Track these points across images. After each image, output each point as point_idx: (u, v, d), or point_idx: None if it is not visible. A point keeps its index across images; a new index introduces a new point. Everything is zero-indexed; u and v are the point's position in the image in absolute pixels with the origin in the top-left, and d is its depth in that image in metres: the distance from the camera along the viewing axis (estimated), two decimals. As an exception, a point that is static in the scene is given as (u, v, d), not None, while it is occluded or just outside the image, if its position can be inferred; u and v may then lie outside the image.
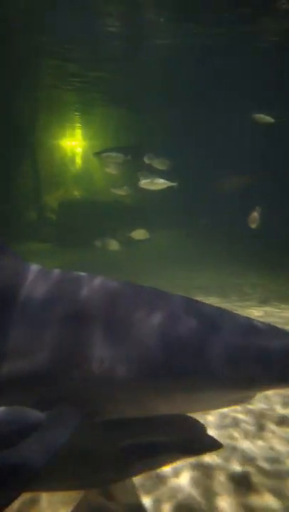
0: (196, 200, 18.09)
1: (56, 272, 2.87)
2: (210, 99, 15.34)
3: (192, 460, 3.00)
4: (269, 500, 2.70)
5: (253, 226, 10.10)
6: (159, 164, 10.87)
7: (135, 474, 2.88)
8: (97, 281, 2.80)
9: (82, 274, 2.87)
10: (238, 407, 3.70)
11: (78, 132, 26.72)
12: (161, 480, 2.85)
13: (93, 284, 2.76)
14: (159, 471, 2.91)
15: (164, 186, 9.63)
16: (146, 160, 10.76)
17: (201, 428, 3.36)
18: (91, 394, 2.48)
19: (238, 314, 2.76)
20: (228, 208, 15.53)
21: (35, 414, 2.24)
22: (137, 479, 2.85)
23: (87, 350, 2.48)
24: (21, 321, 2.57)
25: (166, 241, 17.62)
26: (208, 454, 3.07)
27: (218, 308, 2.78)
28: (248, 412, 3.67)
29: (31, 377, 2.47)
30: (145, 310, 2.62)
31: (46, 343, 2.50)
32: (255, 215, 10.06)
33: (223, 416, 3.56)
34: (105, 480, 2.83)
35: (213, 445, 3.15)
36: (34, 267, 2.85)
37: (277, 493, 2.74)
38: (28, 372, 2.47)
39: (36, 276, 2.78)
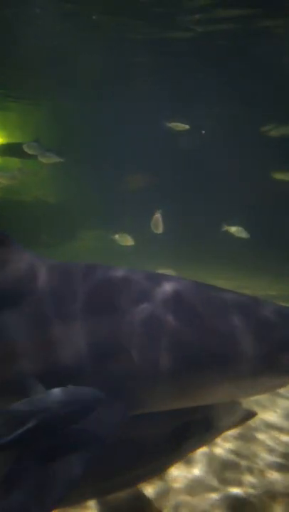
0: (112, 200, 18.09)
1: (75, 264, 2.87)
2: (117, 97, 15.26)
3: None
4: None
5: (158, 231, 9.50)
6: (44, 158, 10.61)
7: (188, 453, 3.02)
8: (126, 271, 2.81)
9: (101, 265, 2.88)
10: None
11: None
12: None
13: (124, 275, 2.78)
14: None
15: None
16: (27, 149, 10.61)
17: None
18: (135, 386, 2.48)
19: (273, 302, 2.83)
20: (133, 208, 15.59)
21: (96, 393, 2.23)
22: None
23: (128, 341, 2.48)
24: (57, 315, 2.56)
25: (92, 243, 17.53)
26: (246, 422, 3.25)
27: (254, 297, 2.85)
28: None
29: (73, 369, 2.46)
30: (184, 299, 2.66)
31: (87, 335, 2.49)
32: (158, 217, 9.42)
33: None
34: (161, 466, 2.91)
35: (249, 414, 3.22)
36: (49, 260, 2.84)
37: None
38: (71, 364, 2.46)
39: (57, 269, 2.78)
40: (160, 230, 9.38)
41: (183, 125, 9.61)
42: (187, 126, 9.53)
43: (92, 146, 16.42)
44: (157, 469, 3.02)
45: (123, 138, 15.52)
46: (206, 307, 2.64)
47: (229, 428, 3.19)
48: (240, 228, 8.91)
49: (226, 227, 9.00)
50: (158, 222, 9.37)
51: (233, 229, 8.92)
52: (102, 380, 2.44)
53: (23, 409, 2.17)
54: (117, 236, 10.19)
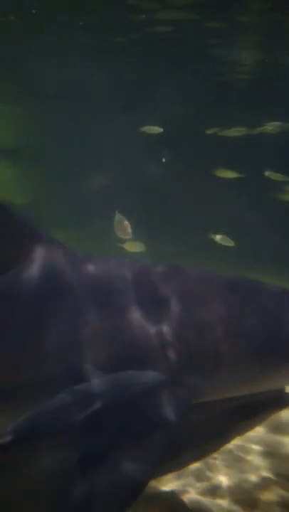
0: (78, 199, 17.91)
1: (115, 258, 2.95)
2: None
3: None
4: None
5: (126, 235, 7.95)
6: None
7: (235, 437, 3.14)
8: (171, 266, 2.90)
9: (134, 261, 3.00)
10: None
11: None
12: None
13: (172, 270, 2.88)
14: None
15: None
16: None
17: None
18: (196, 374, 2.58)
19: None
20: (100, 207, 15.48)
21: (157, 376, 2.30)
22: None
23: (193, 329, 2.58)
24: (117, 305, 2.63)
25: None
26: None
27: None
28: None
29: (140, 356, 2.52)
30: (241, 290, 2.83)
31: (144, 326, 2.56)
32: (122, 220, 7.88)
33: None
34: (208, 450, 3.02)
35: None
36: (85, 255, 2.90)
37: None
38: (137, 351, 2.52)
39: (99, 262, 2.84)
40: (128, 233, 7.92)
41: (157, 128, 9.53)
42: (161, 130, 9.48)
43: (56, 146, 16.18)
44: (209, 451, 3.15)
45: (85, 137, 15.40)
46: (263, 298, 2.83)
47: (274, 413, 3.30)
48: (225, 237, 8.69)
49: (212, 235, 8.74)
50: (123, 226, 7.87)
51: (218, 237, 8.68)
52: (168, 367, 2.53)
53: (89, 391, 2.23)
54: (126, 244, 8.40)
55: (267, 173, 9.01)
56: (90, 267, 2.80)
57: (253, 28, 9.26)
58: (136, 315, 2.61)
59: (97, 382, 2.28)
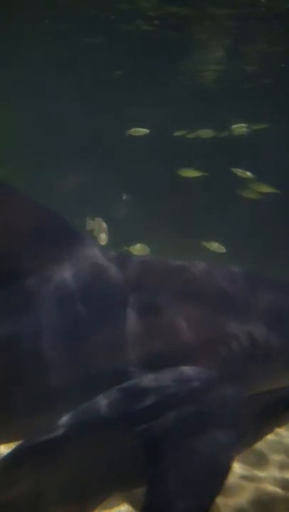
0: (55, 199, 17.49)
1: (154, 258, 2.99)
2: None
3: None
4: None
5: (102, 242, 7.22)
6: None
7: (269, 432, 3.10)
8: (204, 262, 2.93)
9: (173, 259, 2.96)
10: None
11: None
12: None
13: (207, 267, 2.90)
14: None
15: None
16: None
17: None
18: (248, 367, 2.59)
19: None
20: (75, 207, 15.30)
21: (208, 372, 2.32)
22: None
23: (230, 327, 2.60)
24: (162, 303, 2.62)
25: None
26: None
27: None
28: None
29: (190, 352, 2.51)
30: (268, 288, 2.86)
31: (190, 323, 2.56)
32: (100, 223, 7.37)
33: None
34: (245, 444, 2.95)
35: None
36: (118, 254, 2.90)
37: None
38: (187, 348, 2.51)
39: (137, 261, 2.86)
40: (104, 240, 7.36)
41: (143, 130, 9.67)
42: (147, 131, 9.65)
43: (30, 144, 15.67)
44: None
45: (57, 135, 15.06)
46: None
47: None
48: (219, 244, 8.65)
49: (204, 243, 8.65)
50: (101, 229, 7.36)
51: (214, 245, 8.62)
52: (219, 362, 2.53)
53: (142, 386, 2.24)
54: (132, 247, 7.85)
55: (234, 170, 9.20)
56: (133, 266, 2.81)
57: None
58: (184, 312, 2.63)
59: (151, 377, 2.29)
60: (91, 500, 2.49)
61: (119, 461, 2.38)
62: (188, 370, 2.38)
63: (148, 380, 2.28)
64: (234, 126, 10.04)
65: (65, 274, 2.69)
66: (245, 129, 10.06)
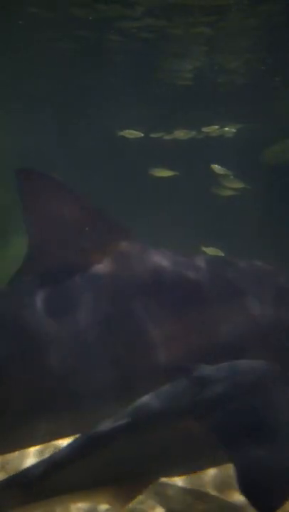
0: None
1: (181, 252, 2.98)
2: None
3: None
4: None
5: None
6: None
7: None
8: (234, 259, 3.00)
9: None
10: None
11: None
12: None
13: (239, 263, 2.96)
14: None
15: None
16: None
17: None
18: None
19: None
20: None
21: (268, 365, 2.36)
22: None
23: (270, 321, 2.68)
24: (214, 297, 2.70)
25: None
26: None
27: None
28: None
29: (246, 345, 2.60)
30: None
31: (251, 314, 2.66)
32: None
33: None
34: None
35: None
36: (155, 249, 2.92)
37: None
38: (243, 341, 2.61)
39: (181, 258, 2.89)
40: None
41: (137, 132, 9.71)
42: (141, 134, 9.69)
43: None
44: None
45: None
46: None
47: None
48: (216, 250, 8.46)
49: (203, 248, 8.46)
50: None
51: (211, 250, 8.44)
52: (277, 354, 2.59)
53: (208, 376, 2.27)
54: None
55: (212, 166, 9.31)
56: (180, 260, 2.88)
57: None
58: (236, 306, 2.71)
59: (213, 368, 2.34)
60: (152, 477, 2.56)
61: (185, 446, 2.39)
62: (254, 362, 2.43)
63: (220, 368, 2.34)
64: (205, 129, 10.30)
65: (111, 268, 2.74)
66: (218, 130, 10.26)
